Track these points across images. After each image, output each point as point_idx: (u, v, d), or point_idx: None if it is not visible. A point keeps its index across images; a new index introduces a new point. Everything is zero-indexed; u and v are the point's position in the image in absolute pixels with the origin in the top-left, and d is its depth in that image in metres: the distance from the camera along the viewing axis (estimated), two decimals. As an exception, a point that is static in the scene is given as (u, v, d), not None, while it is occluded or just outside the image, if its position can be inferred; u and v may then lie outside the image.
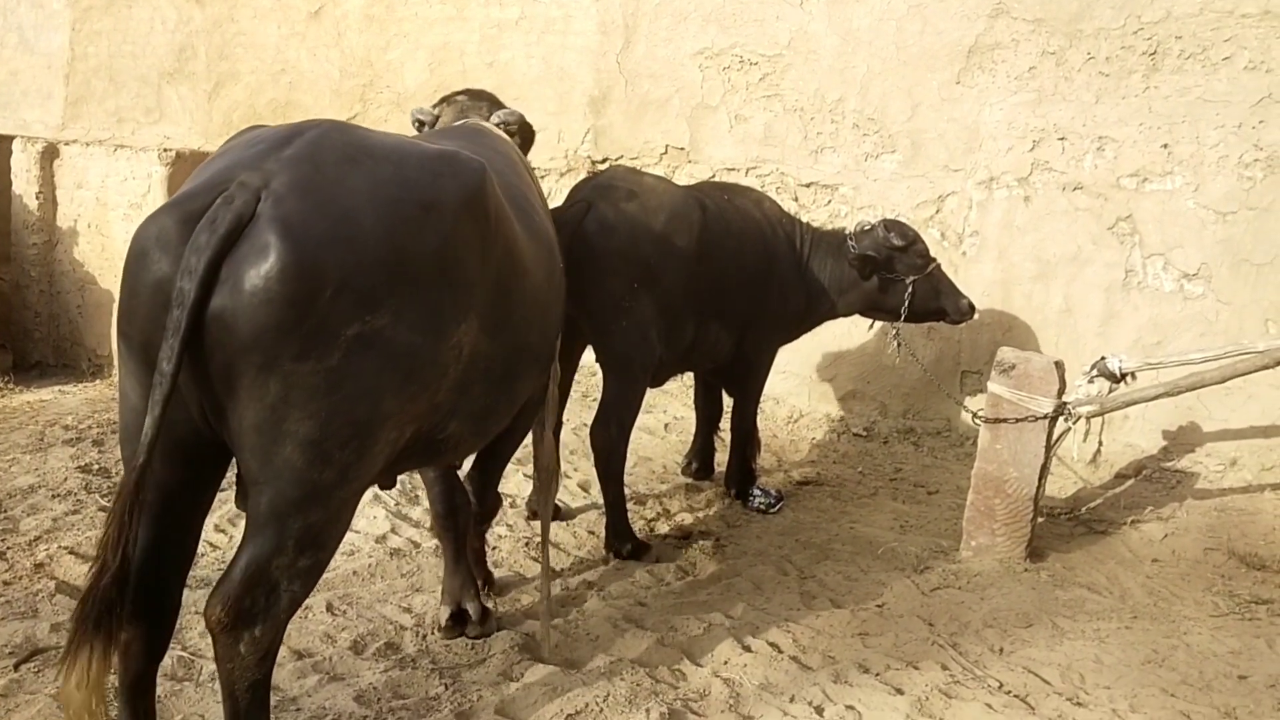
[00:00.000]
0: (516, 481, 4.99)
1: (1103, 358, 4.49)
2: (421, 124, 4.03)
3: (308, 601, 3.57)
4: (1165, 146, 5.47)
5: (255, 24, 7.84)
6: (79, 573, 3.84)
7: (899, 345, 5.22)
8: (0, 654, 3.23)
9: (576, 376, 4.92)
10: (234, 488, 2.68)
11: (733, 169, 6.59)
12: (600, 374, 4.51)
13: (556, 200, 5.23)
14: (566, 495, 4.97)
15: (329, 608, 3.68)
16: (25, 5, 8.36)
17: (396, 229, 2.41)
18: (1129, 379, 4.46)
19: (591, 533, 4.54)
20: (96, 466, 4.91)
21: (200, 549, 3.91)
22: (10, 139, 7.88)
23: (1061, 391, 4.35)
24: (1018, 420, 4.34)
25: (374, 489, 4.25)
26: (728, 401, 5.24)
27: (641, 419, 5.05)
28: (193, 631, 3.42)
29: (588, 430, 4.45)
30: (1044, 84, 5.76)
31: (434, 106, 4.12)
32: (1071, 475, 5.38)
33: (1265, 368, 4.24)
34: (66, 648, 2.21)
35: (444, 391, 2.62)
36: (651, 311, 4.30)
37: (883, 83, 6.16)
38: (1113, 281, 5.66)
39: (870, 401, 6.32)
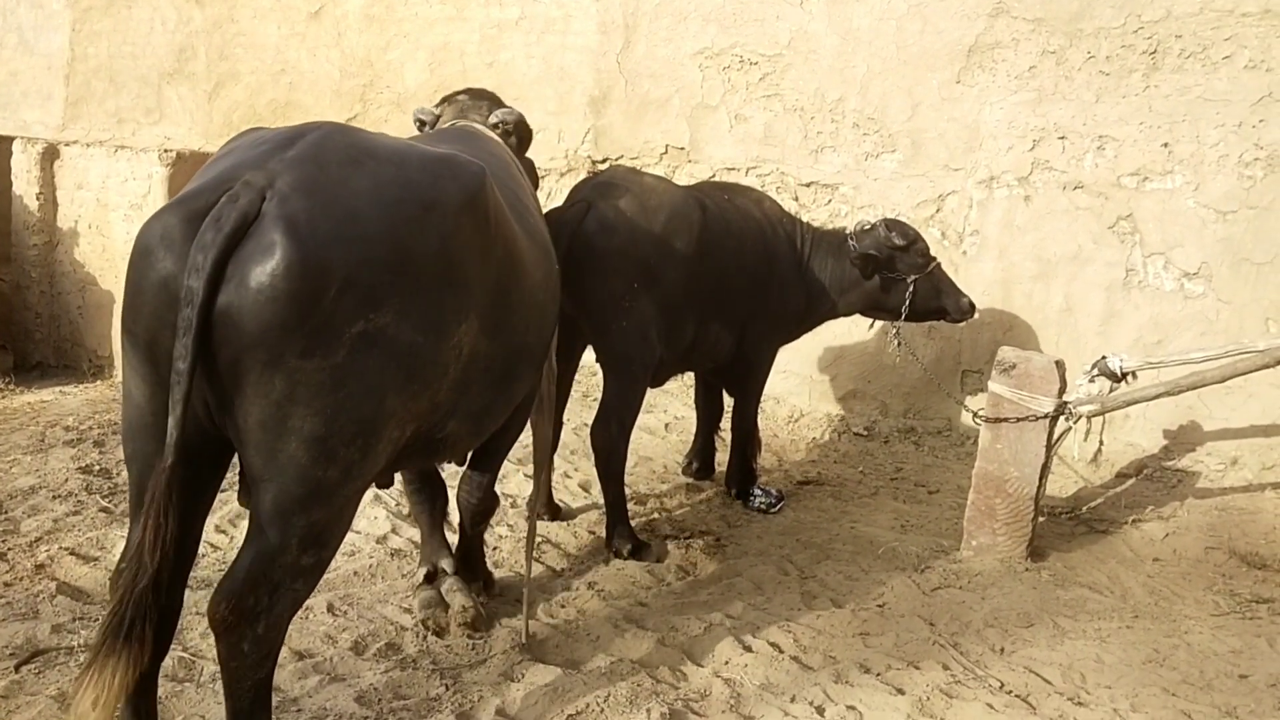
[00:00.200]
0: (517, 481, 4.99)
1: (1103, 357, 4.49)
2: (423, 123, 4.05)
3: (309, 602, 3.58)
4: (1165, 145, 5.47)
5: (255, 24, 7.84)
6: (80, 574, 3.84)
7: (899, 344, 5.22)
8: (1, 655, 3.23)
9: (576, 376, 4.92)
10: (235, 487, 2.69)
11: (733, 169, 6.59)
12: (600, 374, 4.51)
13: (557, 200, 5.23)
14: (567, 495, 4.97)
15: (330, 608, 3.68)
16: (25, 6, 8.36)
17: (399, 229, 2.44)
18: (1130, 378, 4.46)
19: (592, 533, 4.54)
20: (97, 467, 4.91)
21: (201, 549, 3.91)
22: (10, 140, 7.88)
23: (1062, 391, 4.35)
24: (1018, 420, 4.34)
25: (374, 489, 4.28)
26: (728, 401, 5.24)
27: (642, 419, 5.05)
28: (194, 632, 3.42)
29: (588, 430, 4.45)
30: (1044, 83, 5.76)
31: (436, 106, 4.13)
32: (1072, 474, 5.38)
33: (1266, 367, 4.24)
34: (90, 660, 2.19)
35: (444, 391, 2.65)
36: (652, 311, 4.29)
37: (883, 82, 6.16)
38: (1113, 281, 5.66)
39: (871, 401, 6.32)
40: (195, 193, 2.37)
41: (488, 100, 4.10)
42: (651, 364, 4.39)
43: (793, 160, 6.44)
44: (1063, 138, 5.73)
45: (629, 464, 4.56)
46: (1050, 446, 4.38)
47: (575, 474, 5.21)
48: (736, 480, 5.10)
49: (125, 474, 2.52)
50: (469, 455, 3.64)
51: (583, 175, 6.37)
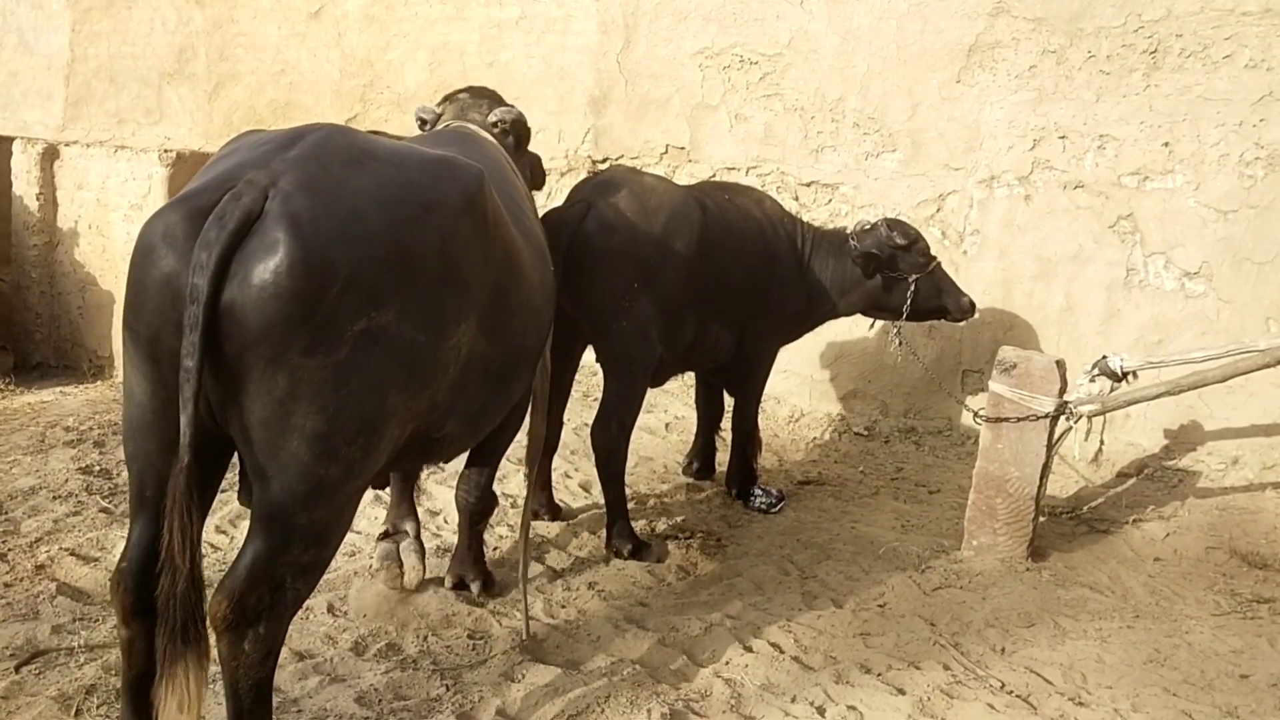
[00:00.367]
0: (518, 481, 4.98)
1: (1104, 356, 4.49)
2: (424, 122, 4.06)
3: (309, 603, 3.58)
4: (1166, 145, 5.47)
5: (255, 24, 7.84)
6: (80, 574, 3.84)
7: (900, 344, 5.22)
8: (1, 656, 3.23)
9: (577, 376, 4.92)
10: (235, 487, 2.69)
11: (733, 168, 6.58)
12: (600, 373, 4.51)
13: (557, 200, 5.23)
14: (567, 495, 4.97)
15: (330, 609, 3.68)
16: (25, 6, 8.36)
17: (400, 228, 2.46)
18: (1130, 378, 4.45)
19: (592, 533, 4.54)
20: (98, 468, 4.91)
21: (203, 550, 3.92)
22: (10, 140, 7.87)
23: (1063, 390, 4.34)
24: (1019, 419, 4.34)
25: (374, 489, 4.28)
26: (729, 401, 5.24)
27: (642, 419, 5.05)
28: (194, 633, 3.42)
29: (588, 430, 4.44)
30: (1044, 83, 5.75)
31: (438, 105, 4.14)
32: (1073, 474, 5.38)
33: (1266, 366, 4.24)
34: (160, 672, 2.23)
35: (443, 391, 2.67)
36: (652, 311, 4.29)
37: (883, 82, 6.16)
38: (1114, 280, 5.65)
39: (871, 401, 6.32)
40: (197, 191, 2.39)
41: (488, 98, 4.11)
42: (652, 364, 4.38)
43: (793, 160, 6.43)
44: (1063, 137, 5.73)
45: (629, 464, 4.56)
46: (1051, 446, 4.38)
47: (576, 474, 5.21)
48: (737, 480, 5.09)
49: (125, 474, 2.52)
50: (468, 454, 3.68)
51: (583, 175, 6.36)
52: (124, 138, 8.03)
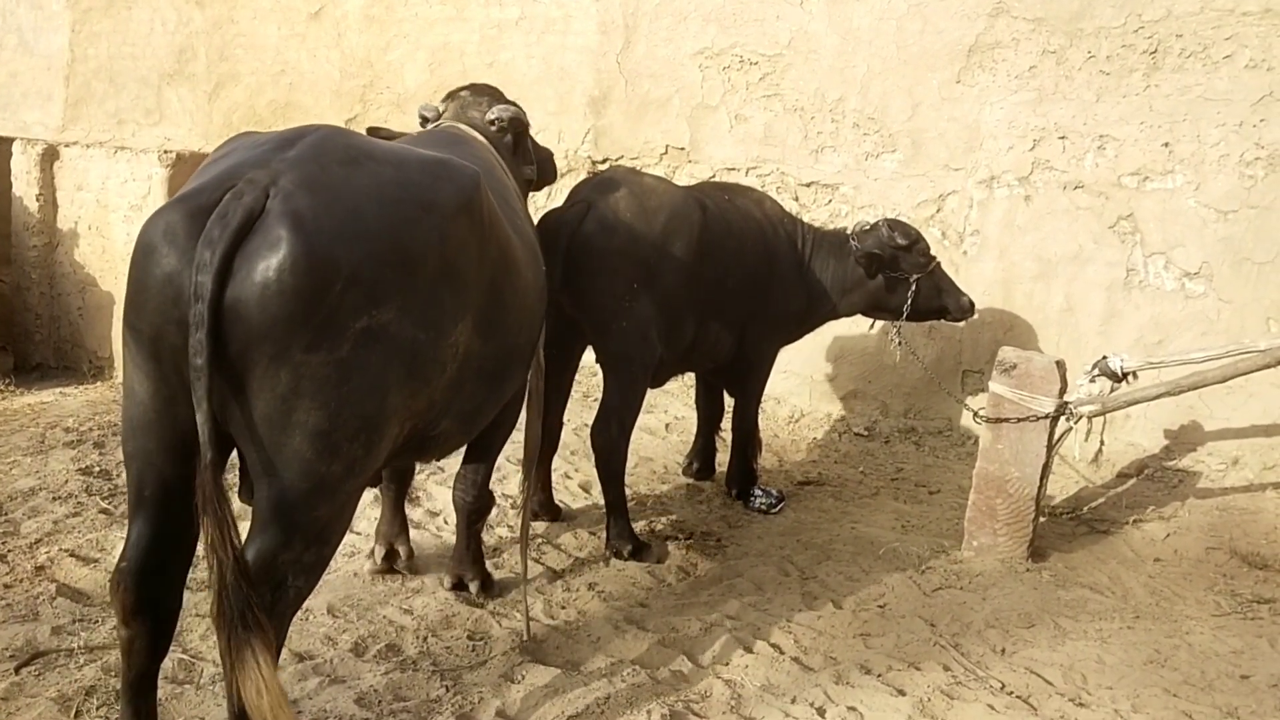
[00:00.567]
0: (518, 482, 4.98)
1: (1104, 357, 4.49)
2: (426, 120, 4.07)
3: (309, 604, 3.57)
4: (1166, 145, 5.47)
5: (255, 25, 7.84)
6: (80, 575, 3.84)
7: (901, 344, 5.22)
8: (1, 657, 3.23)
9: (577, 376, 4.92)
10: (234, 488, 2.68)
11: (733, 169, 6.58)
12: (600, 374, 4.51)
13: (557, 200, 5.23)
14: (567, 496, 4.96)
15: (330, 610, 3.68)
16: (25, 7, 8.36)
17: (400, 227, 2.49)
18: (1130, 378, 4.45)
19: (592, 534, 4.54)
20: (98, 469, 4.90)
21: (203, 551, 3.92)
22: (10, 141, 7.86)
23: (1063, 391, 4.34)
24: (1019, 420, 4.34)
25: (375, 490, 4.28)
26: (729, 401, 5.24)
27: (642, 419, 5.04)
28: (193, 634, 3.42)
29: (588, 431, 4.44)
30: (1044, 83, 5.75)
31: (441, 103, 4.16)
32: (1073, 475, 5.38)
33: (1267, 366, 4.24)
34: (225, 665, 2.24)
35: (440, 389, 2.70)
36: (652, 311, 4.29)
37: (883, 82, 6.16)
38: (1114, 280, 5.65)
39: (871, 401, 6.32)
40: (197, 190, 2.40)
41: (488, 96, 4.13)
42: (652, 364, 4.38)
43: (793, 160, 6.43)
44: (1063, 137, 5.73)
45: (629, 464, 4.55)
46: (1051, 446, 4.37)
47: (575, 475, 5.21)
48: (737, 481, 5.09)
49: (125, 475, 2.52)
50: (464, 453, 3.73)
51: (583, 175, 6.36)
52: (124, 138, 8.03)
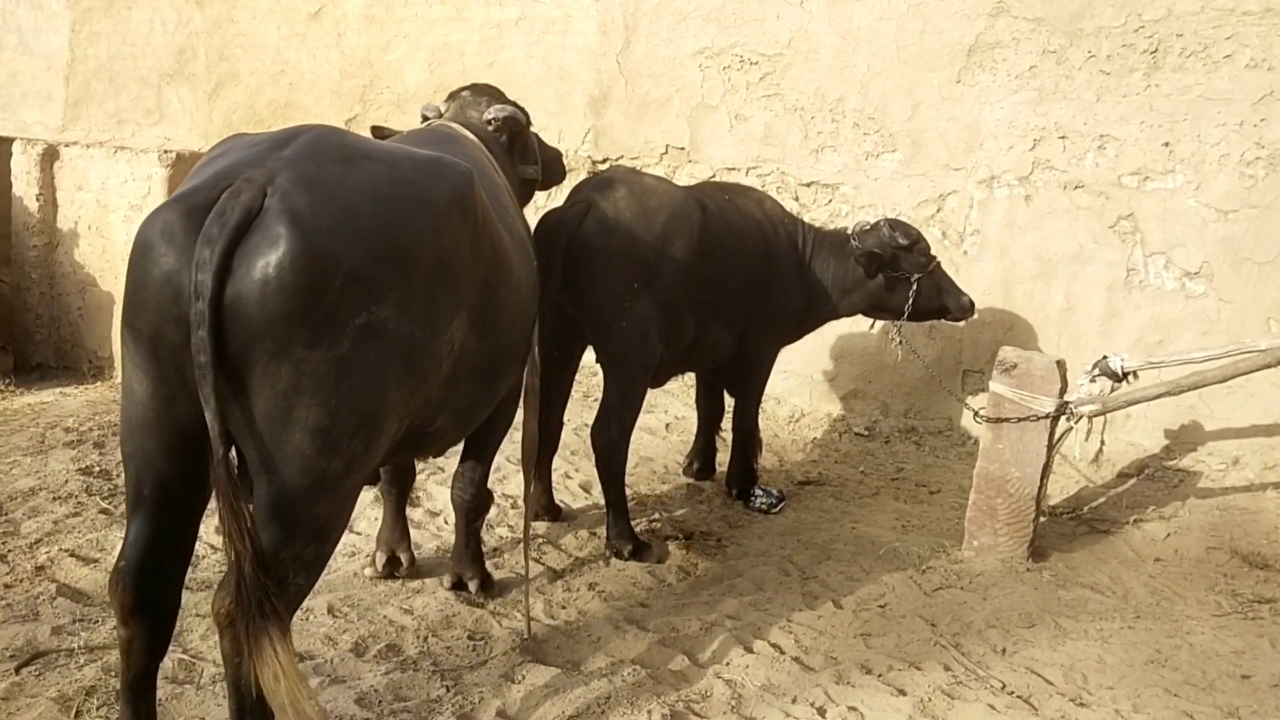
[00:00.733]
0: (518, 482, 4.97)
1: (1104, 357, 4.48)
2: (427, 119, 4.08)
3: (309, 604, 3.59)
4: (1166, 145, 5.46)
5: (255, 25, 7.84)
6: (80, 575, 3.84)
7: (901, 343, 5.21)
8: (1, 657, 3.22)
9: (577, 376, 4.92)
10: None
11: (733, 169, 6.58)
12: (600, 374, 4.51)
13: (557, 200, 5.23)
14: (568, 496, 4.96)
15: (330, 610, 3.68)
16: (25, 7, 8.36)
17: (396, 224, 2.51)
18: (1131, 378, 4.45)
19: (593, 534, 4.54)
20: (98, 469, 4.90)
21: (202, 550, 3.92)
22: (10, 141, 7.86)
23: (1063, 391, 4.34)
24: (1020, 419, 4.33)
25: (375, 491, 4.28)
26: (729, 401, 5.24)
27: (642, 419, 5.04)
28: (194, 634, 3.41)
29: (588, 431, 4.44)
30: (1045, 83, 5.75)
31: (443, 103, 4.19)
32: (1074, 474, 5.37)
33: (1267, 366, 4.23)
34: (251, 648, 2.26)
35: (436, 386, 2.72)
36: (652, 311, 4.29)
37: (883, 82, 6.16)
38: (1114, 280, 5.65)
39: (872, 401, 6.32)
40: (194, 189, 2.41)
41: (488, 96, 4.15)
42: (652, 364, 4.38)
43: (793, 160, 6.43)
44: (1063, 137, 5.72)
45: (629, 464, 4.55)
46: (1052, 446, 4.37)
47: (576, 474, 5.21)
48: (737, 481, 5.09)
49: (123, 474, 2.52)
50: (461, 451, 3.75)
51: (583, 175, 6.36)
52: (124, 138, 8.02)
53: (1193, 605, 4.12)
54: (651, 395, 4.87)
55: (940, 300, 4.97)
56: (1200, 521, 4.85)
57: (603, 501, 4.41)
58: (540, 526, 4.59)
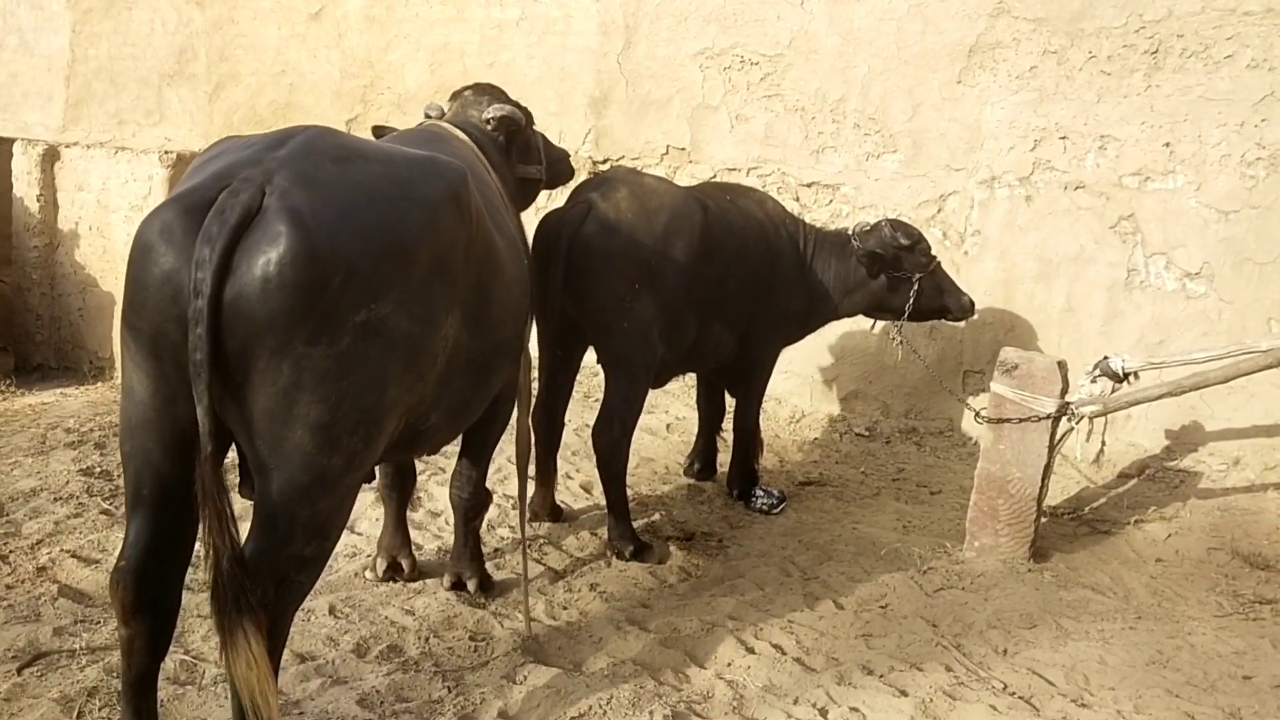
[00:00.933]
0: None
1: (1105, 357, 4.48)
2: (430, 118, 4.08)
3: (311, 605, 3.59)
4: (1167, 145, 5.46)
5: (255, 25, 7.84)
6: (81, 576, 3.84)
7: (902, 344, 5.22)
8: (3, 658, 3.22)
9: (578, 377, 4.92)
10: (237, 482, 2.69)
11: (734, 169, 6.58)
12: (601, 374, 4.51)
13: (557, 201, 5.23)
14: (569, 496, 4.96)
15: (331, 610, 3.68)
16: (25, 7, 8.36)
17: (393, 222, 2.54)
18: (1132, 378, 4.45)
19: (594, 534, 4.54)
20: (99, 469, 4.90)
21: (203, 550, 3.92)
22: (11, 141, 7.87)
23: (1064, 391, 4.34)
24: (1021, 420, 4.33)
25: (376, 491, 4.28)
26: (730, 402, 5.24)
27: (643, 420, 5.04)
28: (195, 635, 3.42)
29: (589, 431, 4.44)
30: (1045, 83, 5.75)
31: (447, 103, 4.21)
32: (1075, 475, 5.37)
33: (1268, 367, 4.23)
34: (226, 641, 2.29)
35: (431, 383, 2.75)
36: (653, 312, 4.29)
37: (884, 82, 6.16)
38: (1115, 281, 5.65)
39: (872, 401, 6.32)
40: (192, 189, 2.42)
41: (489, 96, 4.17)
42: (653, 365, 4.38)
43: (794, 160, 6.43)
44: (1064, 138, 5.72)
45: (630, 465, 4.55)
46: (1053, 447, 4.37)
47: (577, 475, 5.21)
48: (738, 481, 5.09)
49: (123, 474, 2.53)
50: (459, 450, 3.77)
51: (583, 176, 6.36)
52: (124, 139, 8.03)
53: (1194, 606, 4.12)
54: (652, 396, 4.87)
55: (941, 300, 4.97)
56: (1201, 522, 4.85)
57: (604, 502, 4.41)
58: (541, 527, 4.59)
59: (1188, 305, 5.48)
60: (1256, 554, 4.54)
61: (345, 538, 4.21)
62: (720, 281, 4.56)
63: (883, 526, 4.84)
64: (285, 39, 7.76)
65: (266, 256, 2.28)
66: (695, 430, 5.47)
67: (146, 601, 2.48)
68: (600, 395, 4.48)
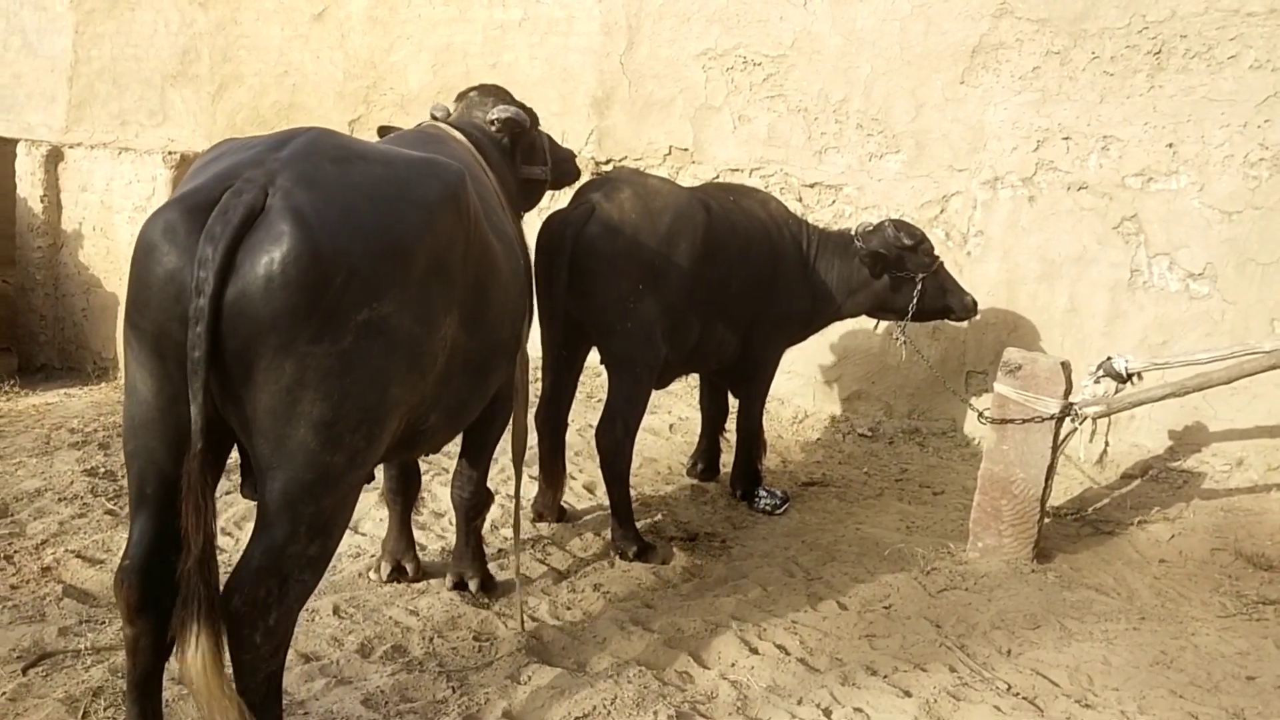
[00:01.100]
0: (522, 483, 4.98)
1: (1109, 358, 4.48)
2: (435, 119, 4.09)
3: (315, 605, 3.60)
4: (1170, 146, 5.46)
5: (259, 26, 7.85)
6: (86, 576, 3.84)
7: (905, 344, 5.22)
8: (8, 658, 3.23)
9: (581, 377, 4.92)
10: (239, 482, 2.70)
11: (737, 170, 6.58)
12: (605, 375, 4.51)
13: (560, 202, 5.23)
14: (572, 497, 4.97)
15: (336, 610, 3.68)
16: (28, 8, 8.37)
17: (394, 222, 2.56)
18: (1135, 379, 4.45)
19: (597, 535, 4.54)
20: (103, 470, 4.91)
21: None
22: (14, 142, 7.88)
23: (1068, 392, 4.34)
24: (1024, 421, 4.33)
25: (378, 492, 4.29)
26: (733, 402, 5.24)
27: (646, 420, 5.04)
28: (200, 635, 3.42)
29: (593, 432, 4.44)
30: (1048, 84, 5.75)
31: (453, 104, 4.23)
32: (1078, 476, 5.37)
33: (1272, 368, 4.23)
34: (179, 635, 2.31)
35: (431, 383, 2.76)
36: (656, 312, 4.29)
37: (887, 83, 6.16)
38: (1118, 281, 5.65)
39: (875, 402, 6.32)
40: (195, 189, 2.44)
41: (494, 97, 4.18)
42: (656, 365, 4.38)
43: (796, 161, 6.43)
44: (1067, 138, 5.72)
45: (634, 465, 4.56)
46: (1056, 447, 4.37)
47: (580, 475, 5.21)
48: (741, 482, 5.09)
49: (126, 473, 2.54)
50: (460, 450, 3.78)
51: (586, 177, 6.36)
52: (128, 140, 8.04)
53: (1197, 606, 4.12)
54: (655, 396, 4.88)
55: (944, 300, 4.98)
56: (1204, 523, 4.85)
57: (607, 502, 4.41)
58: (545, 528, 4.59)
59: (1191, 306, 5.47)
60: (1260, 554, 4.54)
61: (349, 538, 4.21)
62: (723, 282, 4.56)
63: (886, 527, 4.84)
64: (288, 40, 7.77)
65: (270, 255, 2.30)
66: (698, 431, 5.47)
67: (151, 601, 2.49)
68: (603, 396, 4.48)
